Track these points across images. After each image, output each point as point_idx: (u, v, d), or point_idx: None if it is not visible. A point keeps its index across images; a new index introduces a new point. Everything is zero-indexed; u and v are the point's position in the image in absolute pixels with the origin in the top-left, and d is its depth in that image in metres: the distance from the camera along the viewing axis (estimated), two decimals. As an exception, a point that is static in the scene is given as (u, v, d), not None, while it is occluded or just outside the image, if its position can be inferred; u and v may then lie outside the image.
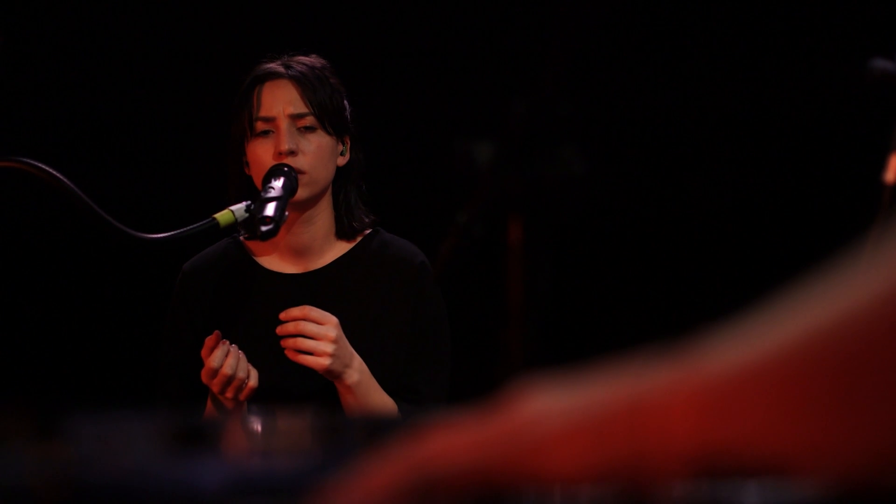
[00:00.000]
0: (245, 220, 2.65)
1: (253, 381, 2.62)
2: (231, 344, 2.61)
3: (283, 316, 2.61)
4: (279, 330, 2.60)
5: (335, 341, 2.59)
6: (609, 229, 4.01)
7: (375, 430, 0.75)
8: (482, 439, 0.68)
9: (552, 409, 0.68)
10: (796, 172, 3.91)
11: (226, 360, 2.58)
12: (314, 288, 2.76)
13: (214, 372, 2.58)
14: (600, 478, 0.67)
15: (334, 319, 2.61)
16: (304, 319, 2.60)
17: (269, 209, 2.58)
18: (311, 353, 2.59)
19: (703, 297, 3.94)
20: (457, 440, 0.69)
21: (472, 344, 3.50)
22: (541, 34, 3.68)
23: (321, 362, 2.58)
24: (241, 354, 2.61)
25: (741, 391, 0.65)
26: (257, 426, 0.72)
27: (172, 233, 2.55)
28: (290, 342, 2.59)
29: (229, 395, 2.59)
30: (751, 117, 3.94)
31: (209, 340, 2.59)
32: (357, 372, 2.64)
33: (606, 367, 0.70)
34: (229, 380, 2.58)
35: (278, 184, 2.62)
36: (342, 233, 2.80)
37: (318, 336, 2.59)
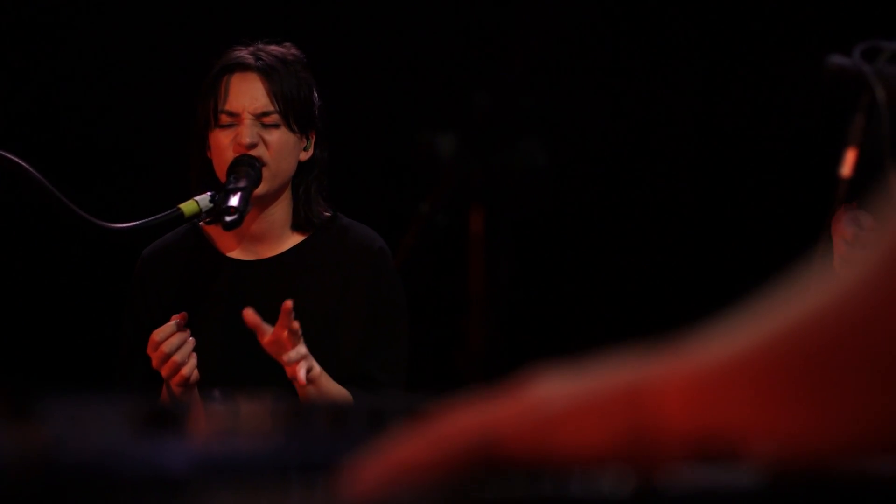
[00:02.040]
0: (209, 211, 2.65)
1: (187, 371, 2.60)
2: (186, 329, 2.61)
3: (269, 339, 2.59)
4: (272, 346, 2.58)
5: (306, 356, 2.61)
6: (570, 220, 4.04)
7: (340, 414, 0.77)
8: (495, 418, 0.73)
9: (559, 392, 0.73)
10: (755, 166, 3.95)
11: (169, 338, 2.58)
12: (272, 274, 2.76)
13: (156, 345, 2.58)
14: (604, 456, 0.72)
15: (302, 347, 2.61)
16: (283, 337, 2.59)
17: (234, 200, 2.59)
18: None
19: (660, 287, 3.97)
20: (472, 419, 0.73)
21: (434, 331, 3.52)
22: (504, 28, 3.70)
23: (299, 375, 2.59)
24: (190, 341, 2.61)
25: (729, 378, 0.70)
26: (223, 409, 0.74)
27: (137, 222, 2.56)
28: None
29: (164, 374, 2.59)
30: (710, 112, 3.98)
31: (175, 319, 2.59)
32: (316, 366, 2.65)
33: (607, 356, 0.75)
34: (166, 358, 2.58)
35: (242, 175, 2.63)
36: (297, 225, 2.81)
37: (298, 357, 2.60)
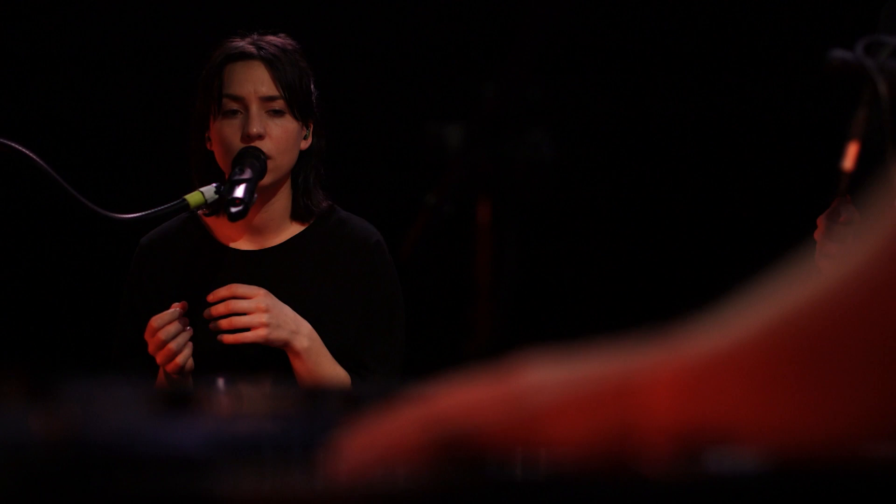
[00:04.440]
0: (214, 202, 2.67)
1: (181, 359, 2.62)
2: (185, 318, 2.63)
3: (210, 298, 2.63)
4: (207, 313, 2.62)
5: (268, 310, 2.62)
6: (576, 211, 4.05)
7: (352, 398, 0.79)
8: (484, 403, 0.74)
9: (549, 381, 0.74)
10: (758, 159, 3.95)
11: (167, 325, 2.61)
12: (270, 264, 2.78)
13: (153, 331, 2.61)
14: (590, 447, 0.72)
15: (262, 290, 2.63)
16: (232, 297, 2.62)
17: (239, 191, 2.60)
18: (247, 329, 2.62)
19: (667, 278, 3.98)
20: (460, 401, 0.74)
21: (441, 322, 3.53)
22: (511, 18, 3.70)
23: (259, 333, 2.61)
24: (188, 331, 2.63)
25: (718, 372, 0.71)
26: (238, 391, 0.76)
27: (143, 213, 2.58)
28: (223, 323, 2.61)
29: (158, 360, 2.62)
30: (714, 105, 3.98)
31: (175, 307, 2.62)
32: (306, 338, 2.66)
33: (599, 346, 0.75)
34: (162, 344, 2.61)
35: (247, 166, 2.64)
36: (297, 215, 2.82)
37: (249, 310, 2.62)
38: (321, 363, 2.69)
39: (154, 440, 0.67)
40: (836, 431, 0.70)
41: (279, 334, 2.63)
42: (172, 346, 2.62)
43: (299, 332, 2.65)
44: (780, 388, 0.70)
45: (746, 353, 0.71)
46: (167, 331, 2.61)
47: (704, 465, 0.71)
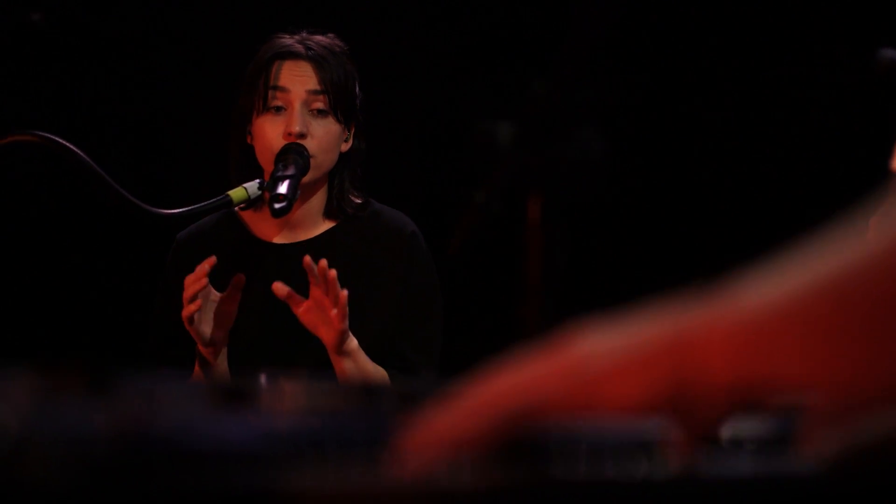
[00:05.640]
0: (258, 198, 2.68)
1: (187, 312, 2.59)
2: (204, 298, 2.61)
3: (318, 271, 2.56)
4: (317, 282, 2.54)
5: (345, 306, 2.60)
6: (626, 210, 4.04)
7: (409, 393, 0.79)
8: (542, 376, 0.74)
9: (603, 346, 0.74)
10: (807, 159, 3.93)
11: (195, 302, 2.59)
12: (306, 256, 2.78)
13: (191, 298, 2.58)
14: (649, 408, 0.72)
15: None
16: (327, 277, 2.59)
17: (283, 187, 2.62)
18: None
19: (719, 278, 3.97)
20: (513, 382, 0.74)
21: (491, 320, 3.53)
22: (562, 16, 3.70)
23: (343, 324, 2.58)
24: (211, 298, 2.62)
25: (776, 326, 0.70)
26: (295, 387, 0.77)
27: (187, 208, 2.59)
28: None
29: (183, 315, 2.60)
30: (763, 104, 3.96)
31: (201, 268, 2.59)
32: (353, 339, 2.66)
33: (650, 307, 0.75)
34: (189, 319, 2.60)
35: (291, 163, 2.65)
36: (330, 213, 2.83)
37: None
38: (367, 361, 2.70)
39: (215, 435, 0.68)
40: None
41: (347, 328, 2.62)
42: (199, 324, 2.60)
43: (350, 333, 2.66)
44: (846, 341, 0.68)
45: (810, 306, 0.69)
46: (189, 280, 2.60)
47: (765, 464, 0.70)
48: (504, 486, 0.69)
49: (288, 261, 2.79)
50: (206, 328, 2.63)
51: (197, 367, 2.68)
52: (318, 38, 2.79)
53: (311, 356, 2.70)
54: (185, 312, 2.59)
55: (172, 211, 2.56)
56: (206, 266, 2.59)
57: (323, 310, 2.57)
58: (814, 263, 0.71)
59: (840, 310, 0.68)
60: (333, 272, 2.56)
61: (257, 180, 2.69)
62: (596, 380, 0.73)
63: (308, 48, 2.75)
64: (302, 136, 2.69)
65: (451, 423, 0.73)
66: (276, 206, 2.61)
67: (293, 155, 2.68)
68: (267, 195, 2.66)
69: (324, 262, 2.57)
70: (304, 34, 2.80)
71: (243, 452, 0.67)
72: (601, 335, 0.75)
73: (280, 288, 2.56)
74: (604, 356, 0.73)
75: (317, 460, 0.70)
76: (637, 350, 0.73)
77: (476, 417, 0.73)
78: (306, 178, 2.70)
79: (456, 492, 0.67)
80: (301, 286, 2.60)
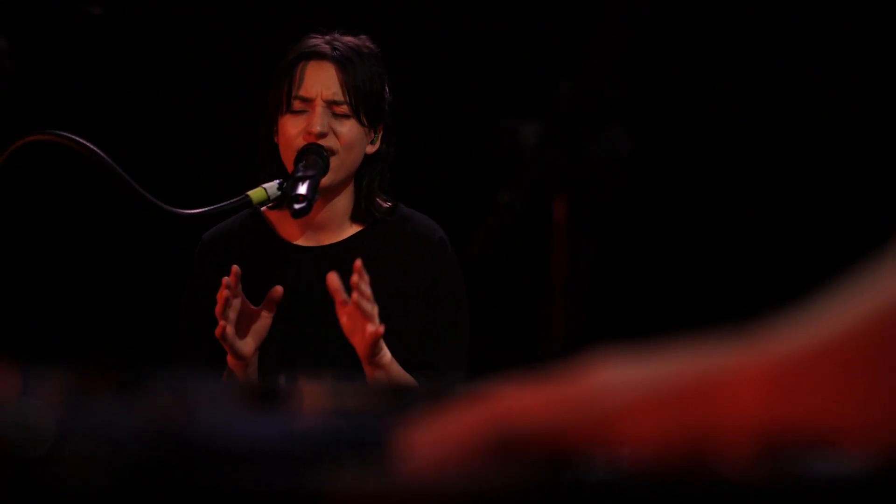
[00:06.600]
0: (278, 198, 2.69)
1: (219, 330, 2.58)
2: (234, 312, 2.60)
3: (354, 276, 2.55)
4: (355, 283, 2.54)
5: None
6: (653, 209, 4.03)
7: (438, 396, 0.79)
8: (557, 402, 0.72)
9: (627, 379, 0.72)
10: (844, 159, 3.91)
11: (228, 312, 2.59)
12: (333, 261, 2.78)
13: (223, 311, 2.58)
14: (670, 447, 0.70)
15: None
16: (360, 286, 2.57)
17: (302, 188, 2.61)
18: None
19: (744, 278, 3.96)
20: (531, 400, 0.72)
21: (517, 320, 3.53)
22: (588, 14, 3.70)
23: (380, 330, 2.57)
24: (235, 303, 2.61)
25: (808, 370, 0.69)
26: (323, 388, 0.77)
27: (207, 209, 2.60)
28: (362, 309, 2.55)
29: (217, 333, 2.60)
30: (799, 104, 3.95)
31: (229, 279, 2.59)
32: (387, 352, 2.65)
33: (675, 345, 0.73)
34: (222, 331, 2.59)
35: (311, 163, 2.65)
36: (357, 216, 2.83)
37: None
38: (400, 373, 2.68)
39: (250, 435, 0.68)
40: None
41: (380, 341, 2.61)
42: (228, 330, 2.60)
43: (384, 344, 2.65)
44: (877, 386, 0.67)
45: (842, 349, 0.68)
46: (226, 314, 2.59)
47: (793, 468, 0.69)
48: (520, 488, 0.68)
49: (313, 264, 2.78)
50: (239, 343, 2.63)
51: (225, 378, 2.68)
52: (348, 38, 2.79)
53: (338, 357, 2.70)
54: (218, 331, 2.59)
55: (192, 211, 2.57)
56: (232, 279, 2.60)
57: (359, 318, 2.56)
58: (845, 305, 0.70)
59: (875, 350, 0.68)
60: (366, 278, 2.54)
61: (277, 181, 2.69)
62: (613, 413, 0.71)
63: (334, 48, 2.75)
64: (322, 135, 2.69)
65: (450, 430, 0.72)
66: (296, 206, 2.61)
67: (312, 155, 2.68)
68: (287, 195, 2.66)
69: (359, 262, 2.55)
70: (335, 35, 2.80)
71: (278, 452, 0.67)
72: (625, 367, 0.73)
73: (333, 280, 2.53)
74: (626, 390, 0.71)
75: (351, 460, 0.69)
76: (661, 387, 0.71)
77: (474, 430, 0.71)
78: (328, 179, 2.70)
79: (494, 492, 0.66)
80: (326, 291, 2.61)
